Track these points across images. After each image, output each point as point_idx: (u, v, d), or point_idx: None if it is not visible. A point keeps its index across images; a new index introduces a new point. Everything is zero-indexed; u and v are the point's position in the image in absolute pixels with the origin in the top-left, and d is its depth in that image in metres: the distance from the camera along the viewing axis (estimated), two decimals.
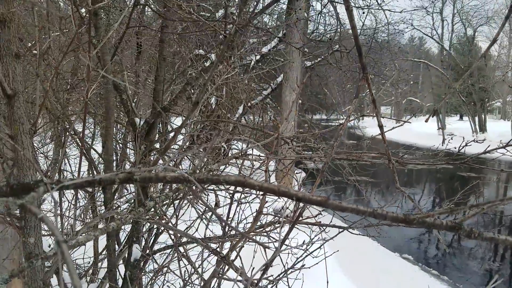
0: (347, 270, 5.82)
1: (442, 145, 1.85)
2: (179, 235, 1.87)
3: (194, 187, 1.94)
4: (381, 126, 1.20)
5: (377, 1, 10.96)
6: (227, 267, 2.05)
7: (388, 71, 18.33)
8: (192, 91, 3.72)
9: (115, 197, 2.59)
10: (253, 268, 1.62)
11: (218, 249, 1.54)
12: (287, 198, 0.86)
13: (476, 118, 35.44)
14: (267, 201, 1.58)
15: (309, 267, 2.37)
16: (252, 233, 1.48)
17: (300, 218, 2.10)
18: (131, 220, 2.05)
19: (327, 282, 1.94)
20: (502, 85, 40.18)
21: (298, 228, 2.51)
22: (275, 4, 8.73)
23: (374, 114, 1.15)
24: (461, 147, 1.70)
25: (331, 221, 2.29)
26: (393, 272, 6.65)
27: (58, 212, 2.58)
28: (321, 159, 1.75)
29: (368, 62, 12.09)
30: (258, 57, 9.47)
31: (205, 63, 5.51)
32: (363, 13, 10.73)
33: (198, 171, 0.71)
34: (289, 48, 9.32)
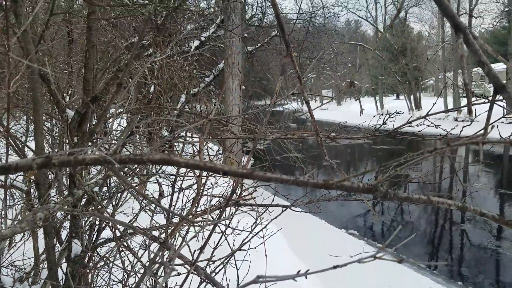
0: (296, 248, 6.04)
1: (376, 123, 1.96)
2: (119, 226, 1.84)
3: (133, 173, 1.91)
4: (307, 102, 1.25)
5: None
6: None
7: (327, 55, 18.84)
8: (127, 79, 3.62)
9: (52, 192, 2.47)
10: (195, 250, 1.64)
11: (160, 237, 1.54)
12: (214, 174, 0.88)
13: (412, 97, 37.68)
14: (203, 183, 1.59)
15: (255, 247, 2.44)
16: (192, 216, 1.50)
17: (239, 199, 2.13)
18: (70, 216, 1.98)
19: (265, 255, 2.01)
20: (434, 64, 42.84)
21: (242, 210, 2.56)
22: None
23: (301, 91, 1.20)
24: (385, 119, 1.82)
25: (272, 201, 2.36)
26: (339, 246, 6.98)
27: None
28: (254, 137, 1.79)
29: (306, 46, 12.36)
30: (197, 43, 9.33)
31: (138, 50, 5.33)
32: None
33: (118, 152, 0.71)
34: (228, 33, 9.29)
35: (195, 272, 1.22)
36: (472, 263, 6.96)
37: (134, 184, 2.96)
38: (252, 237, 2.38)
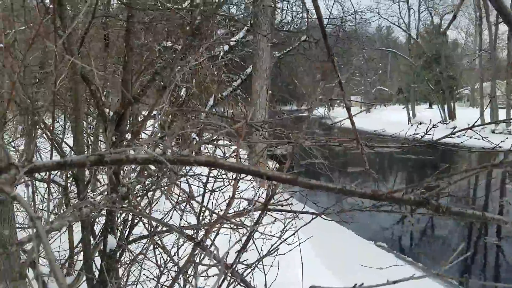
0: (323, 257, 5.96)
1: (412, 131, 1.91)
2: (154, 224, 1.88)
3: (167, 173, 1.95)
4: (348, 108, 1.24)
5: None
6: (203, 255, 2.08)
7: (357, 61, 18.62)
8: (162, 83, 3.67)
9: (88, 189, 2.56)
10: (228, 253, 1.65)
11: (195, 236, 1.56)
12: (258, 179, 0.89)
13: (445, 106, 36.49)
14: (239, 186, 1.61)
15: (284, 253, 2.42)
16: (225, 219, 1.51)
17: (272, 202, 2.13)
18: (106, 211, 2.04)
19: (302, 263, 2.00)
20: (470, 72, 41.51)
21: (271, 215, 2.56)
22: None
23: (342, 97, 1.19)
24: (428, 130, 1.77)
25: (303, 208, 2.34)
26: (368, 259, 6.85)
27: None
28: (290, 143, 1.79)
29: (336, 52, 12.26)
30: (226, 48, 9.42)
31: (173, 54, 5.45)
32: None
33: (167, 152, 0.73)
34: (257, 38, 9.33)
35: (230, 275, 1.24)
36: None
37: (163, 184, 3.02)
38: (281, 243, 2.37)
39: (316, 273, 5.11)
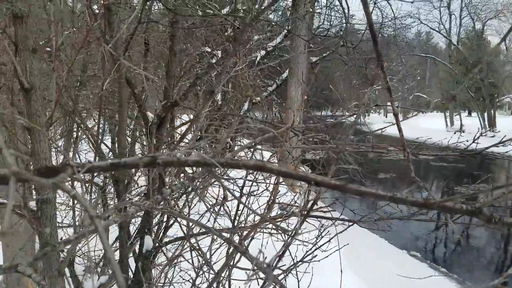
0: (355, 265, 5.82)
1: (476, 145, 1.84)
2: (190, 225, 1.89)
3: (208, 176, 1.96)
4: (396, 114, 1.20)
5: None
6: (237, 257, 2.07)
7: (395, 67, 18.21)
8: (199, 87, 3.75)
9: (128, 190, 2.62)
10: (266, 257, 1.64)
11: (233, 239, 1.55)
12: (304, 183, 0.87)
13: (485, 114, 34.97)
14: (279, 191, 1.59)
15: (318, 260, 2.39)
16: (264, 224, 1.50)
17: (311, 212, 2.11)
18: (143, 212, 2.08)
19: (341, 271, 1.95)
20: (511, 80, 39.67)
21: (308, 222, 2.53)
22: None
23: (389, 103, 1.15)
24: (475, 139, 1.69)
25: (341, 215, 2.30)
26: (400, 268, 6.64)
27: (71, 204, 2.62)
28: (333, 149, 1.75)
29: (375, 56, 12.01)
30: (263, 53, 9.45)
31: (211, 60, 5.52)
32: (374, 3, 10.63)
33: (217, 156, 0.72)
34: (294, 43, 9.31)
35: (270, 280, 1.22)
36: None
37: (200, 187, 3.05)
38: (316, 249, 2.34)
39: (348, 281, 5.00)
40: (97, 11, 2.24)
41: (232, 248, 1.48)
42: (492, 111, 35.37)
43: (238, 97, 5.60)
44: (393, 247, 7.96)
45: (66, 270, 2.81)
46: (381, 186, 13.22)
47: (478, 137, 1.65)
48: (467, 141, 2.38)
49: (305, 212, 1.39)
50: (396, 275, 6.29)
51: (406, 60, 18.18)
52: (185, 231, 1.99)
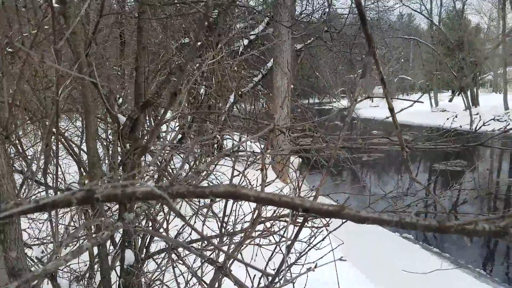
0: (353, 258, 5.74)
1: (470, 127, 1.71)
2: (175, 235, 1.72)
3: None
4: (391, 109, 1.05)
5: None
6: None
7: (379, 50, 18.13)
8: (182, 83, 3.54)
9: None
10: (254, 276, 1.49)
11: (214, 255, 1.39)
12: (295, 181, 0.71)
13: (468, 93, 35.33)
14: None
15: (314, 262, 2.25)
16: (250, 239, 1.34)
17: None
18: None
19: (336, 269, 1.82)
20: (492, 58, 40.06)
21: (298, 221, 2.38)
22: None
23: (380, 95, 1.00)
24: (478, 128, 1.55)
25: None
26: (395, 253, 6.60)
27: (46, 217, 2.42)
28: (323, 150, 1.60)
29: (359, 41, 11.87)
30: (246, 42, 9.21)
31: (196, 55, 5.28)
32: None
33: (175, 184, 0.55)
34: (277, 31, 9.08)
35: None
36: None
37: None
38: (310, 249, 2.20)
39: (347, 274, 4.91)
40: (55, 5, 2.02)
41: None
42: (475, 90, 35.75)
43: (223, 90, 5.40)
44: (385, 231, 7.94)
45: (49, 284, 2.62)
46: (371, 173, 13.16)
47: (481, 126, 1.50)
48: (460, 126, 2.24)
49: (301, 228, 1.23)
50: (387, 257, 6.26)
51: (389, 42, 18.10)
52: (167, 244, 1.82)
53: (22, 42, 2.34)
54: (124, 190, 0.58)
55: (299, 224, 2.11)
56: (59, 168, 3.41)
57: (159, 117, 3.68)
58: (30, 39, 2.42)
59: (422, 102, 1.04)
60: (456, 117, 1.94)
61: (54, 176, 3.26)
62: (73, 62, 1.87)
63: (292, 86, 9.92)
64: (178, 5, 3.19)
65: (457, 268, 6.36)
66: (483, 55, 38.17)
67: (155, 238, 2.70)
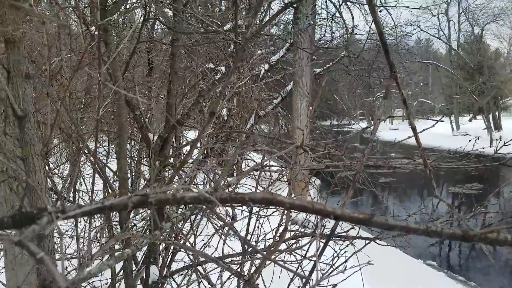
0: (372, 282, 5.63)
1: (490, 147, 1.74)
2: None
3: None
4: (414, 128, 1.10)
5: (381, 2, 10.86)
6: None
7: (398, 74, 18.10)
8: (204, 103, 3.67)
9: (131, 215, 2.52)
10: None
11: (239, 269, 1.44)
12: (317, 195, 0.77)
13: (490, 117, 34.71)
14: (291, 217, 1.48)
15: (336, 284, 2.25)
16: (276, 253, 1.39)
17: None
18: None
19: None
20: None
21: (321, 241, 2.40)
22: (282, 13, 8.70)
23: (406, 115, 1.05)
24: (498, 148, 1.58)
25: (357, 233, 2.17)
26: (418, 280, 6.43)
27: (74, 233, 2.51)
28: (347, 167, 1.65)
29: (377, 66, 11.96)
30: (267, 66, 9.41)
31: (215, 76, 5.47)
32: (380, 11, 10.58)
33: (219, 189, 0.62)
34: (297, 56, 9.27)
35: None
36: None
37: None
38: (332, 271, 2.21)
39: None
40: (95, 32, 2.18)
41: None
42: (497, 113, 35.08)
43: (243, 112, 5.52)
44: (409, 257, 7.73)
45: None
46: (392, 195, 12.97)
47: (501, 147, 1.53)
48: (483, 148, 2.25)
49: (327, 244, 1.27)
50: (410, 286, 6.08)
51: (408, 67, 18.09)
52: (192, 259, 1.88)
53: (61, 66, 2.51)
54: (174, 194, 0.65)
55: (323, 242, 2.14)
56: (87, 185, 3.54)
57: (185, 137, 3.80)
58: (69, 63, 2.59)
59: (443, 121, 1.10)
60: (478, 139, 1.97)
61: (84, 193, 3.39)
62: (110, 85, 2.00)
63: (311, 108, 10.01)
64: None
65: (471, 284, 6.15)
66: (503, 79, 37.60)
67: (176, 255, 2.76)
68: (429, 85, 54.55)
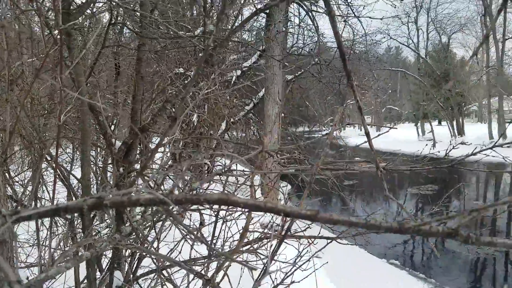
0: (336, 281, 5.75)
1: (433, 149, 1.85)
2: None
3: (173, 210, 1.86)
4: (367, 133, 1.16)
5: (353, 12, 11.17)
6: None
7: (367, 82, 18.60)
8: (173, 109, 3.67)
9: (95, 222, 2.48)
10: None
11: (203, 271, 1.46)
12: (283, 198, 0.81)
13: (454, 123, 36.33)
14: (253, 217, 1.51)
15: (298, 282, 2.31)
16: (238, 253, 1.41)
17: (289, 233, 2.04)
18: (111, 246, 1.95)
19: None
20: (477, 89, 41.37)
21: (286, 243, 2.45)
22: (254, 18, 8.81)
23: (360, 122, 1.12)
24: (448, 151, 1.68)
25: (319, 233, 2.24)
26: (381, 279, 6.61)
27: (36, 241, 2.45)
28: (307, 171, 1.70)
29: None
30: (239, 73, 9.46)
31: (185, 81, 5.47)
32: (344, 21, 10.87)
33: (176, 191, 0.65)
34: (269, 62, 9.38)
35: None
36: None
37: (175, 212, 2.93)
38: (295, 270, 2.26)
39: None
40: (58, 36, 2.15)
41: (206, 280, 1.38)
42: (461, 120, 36.73)
43: (215, 118, 5.53)
44: (373, 256, 8.00)
45: None
46: (360, 198, 13.32)
47: (450, 150, 1.63)
48: (439, 152, 2.37)
49: (282, 235, 1.31)
50: (373, 284, 6.25)
51: (377, 74, 18.61)
52: (157, 264, 1.87)
53: (22, 71, 2.45)
54: (129, 197, 0.67)
55: (282, 238, 2.19)
56: (49, 193, 3.45)
57: (150, 143, 3.77)
58: (31, 68, 2.54)
59: (396, 128, 1.17)
60: (436, 143, 2.08)
61: (47, 201, 3.30)
62: (73, 90, 1.98)
63: (282, 114, 10.13)
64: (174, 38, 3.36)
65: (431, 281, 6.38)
66: (468, 87, 39.37)
67: (142, 262, 2.74)
68: (397, 92, 56.26)
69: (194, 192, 1.23)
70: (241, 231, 1.54)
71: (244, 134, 10.75)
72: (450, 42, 40.92)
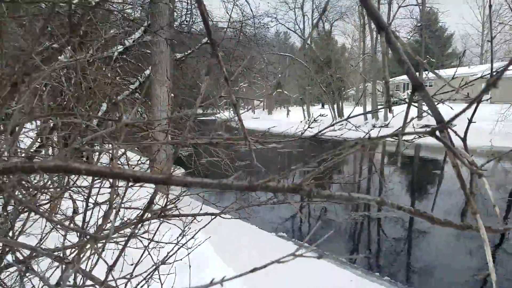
0: (225, 256, 5.96)
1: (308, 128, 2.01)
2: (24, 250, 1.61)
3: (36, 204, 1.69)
4: (235, 105, 1.18)
5: None
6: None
7: (258, 65, 19.15)
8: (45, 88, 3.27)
9: None
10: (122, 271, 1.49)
11: (65, 257, 1.36)
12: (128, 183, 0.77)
13: (335, 106, 39.95)
14: (121, 195, 1.45)
15: (181, 259, 2.31)
16: (104, 233, 1.34)
17: (169, 208, 2.01)
18: None
19: (189, 266, 1.92)
20: (355, 74, 45.75)
21: (169, 222, 2.41)
22: None
23: (228, 94, 1.13)
24: (310, 124, 1.82)
25: (200, 210, 2.25)
26: (269, 250, 7.03)
27: None
28: (177, 143, 1.68)
29: (237, 55, 12.43)
30: (121, 48, 8.87)
31: (58, 57, 4.93)
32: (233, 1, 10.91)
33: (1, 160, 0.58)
34: (156, 39, 8.98)
35: None
36: (388, 254, 7.63)
37: (45, 202, 2.65)
38: (178, 249, 2.25)
39: (216, 271, 5.05)
40: None
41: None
42: (341, 103, 40.52)
43: (94, 97, 5.11)
44: (262, 231, 8.50)
45: None
46: (255, 178, 13.84)
47: (311, 123, 1.78)
48: (310, 127, 2.56)
49: (144, 214, 1.28)
50: (261, 257, 6.67)
51: (267, 58, 19.27)
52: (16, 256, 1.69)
53: None
54: None
55: (164, 221, 2.16)
56: None
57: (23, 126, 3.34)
58: None
59: (261, 101, 1.20)
60: (311, 122, 2.25)
61: None
62: None
63: (172, 95, 9.86)
64: (40, 5, 2.98)
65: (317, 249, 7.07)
66: (347, 72, 43.30)
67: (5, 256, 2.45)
68: (286, 77, 59.22)
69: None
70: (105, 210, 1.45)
71: (129, 116, 10.22)
72: (332, 30, 44.13)
